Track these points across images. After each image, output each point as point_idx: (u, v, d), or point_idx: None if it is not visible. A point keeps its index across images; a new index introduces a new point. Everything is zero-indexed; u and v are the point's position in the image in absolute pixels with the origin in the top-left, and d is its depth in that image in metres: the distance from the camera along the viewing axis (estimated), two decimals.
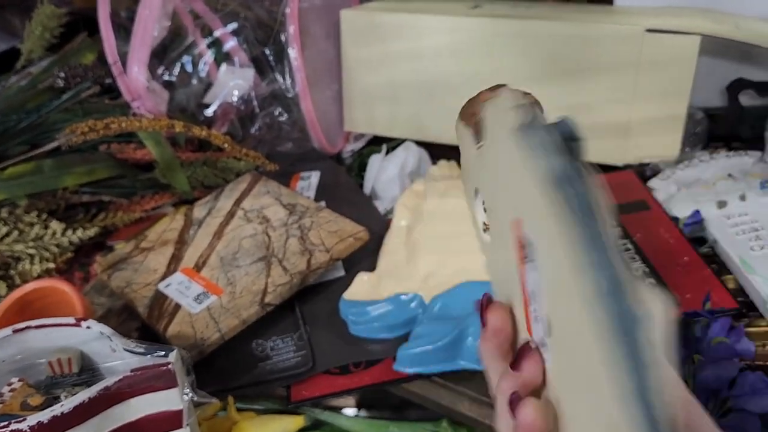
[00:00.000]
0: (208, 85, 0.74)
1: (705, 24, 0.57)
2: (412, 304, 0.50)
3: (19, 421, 0.34)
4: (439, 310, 0.49)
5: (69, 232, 0.58)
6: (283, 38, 0.61)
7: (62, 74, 0.60)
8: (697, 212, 0.52)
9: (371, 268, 0.54)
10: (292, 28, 0.60)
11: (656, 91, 0.58)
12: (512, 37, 0.61)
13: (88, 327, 0.41)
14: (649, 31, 0.56)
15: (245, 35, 0.65)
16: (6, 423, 0.34)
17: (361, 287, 0.52)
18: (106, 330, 0.40)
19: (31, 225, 0.58)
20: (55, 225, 0.58)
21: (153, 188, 0.65)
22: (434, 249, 0.53)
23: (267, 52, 0.63)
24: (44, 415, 0.34)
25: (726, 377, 0.41)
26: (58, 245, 0.58)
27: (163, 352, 0.38)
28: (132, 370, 0.36)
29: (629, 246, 0.51)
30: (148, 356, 0.38)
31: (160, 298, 0.52)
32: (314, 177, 0.68)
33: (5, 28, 0.81)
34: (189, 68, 0.73)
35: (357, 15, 0.66)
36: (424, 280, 0.48)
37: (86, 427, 0.35)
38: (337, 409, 0.46)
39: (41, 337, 0.42)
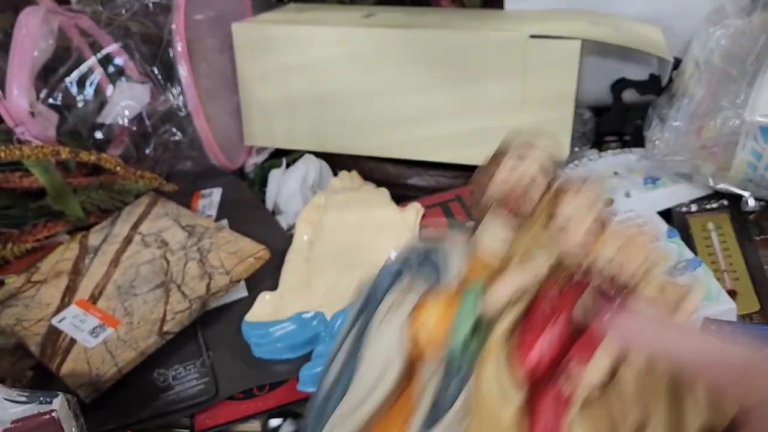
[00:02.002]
0: (101, 104, 0.72)
1: (585, 28, 0.60)
2: (314, 322, 0.50)
3: None
4: (340, 326, 0.49)
5: None
6: (171, 54, 0.60)
7: None
8: None
9: (275, 286, 0.54)
10: (179, 45, 0.58)
11: (543, 95, 0.60)
12: (402, 46, 0.62)
13: None
14: (533, 37, 0.57)
15: (132, 52, 0.63)
16: None
17: (264, 307, 0.51)
18: None
19: None
20: None
21: (46, 216, 0.62)
22: (335, 263, 0.53)
23: (155, 70, 0.61)
24: None
25: None
26: None
27: (48, 399, 0.37)
28: (12, 422, 0.35)
29: None
30: (31, 404, 0.37)
31: (53, 333, 0.50)
32: (216, 194, 0.67)
33: None
34: (79, 88, 0.70)
35: (249, 28, 0.65)
36: (325, 296, 0.49)
37: None
38: None
39: None
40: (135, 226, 0.60)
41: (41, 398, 0.37)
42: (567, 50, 0.57)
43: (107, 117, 0.70)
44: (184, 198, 0.66)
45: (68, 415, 0.37)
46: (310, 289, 0.50)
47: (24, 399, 0.37)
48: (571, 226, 0.31)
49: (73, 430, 0.37)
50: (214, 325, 0.53)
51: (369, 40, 0.62)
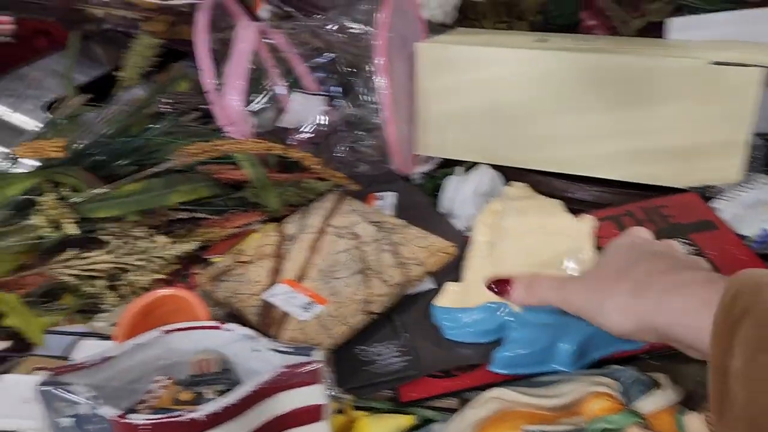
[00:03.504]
0: (280, 110, 0.80)
1: (764, 57, 0.62)
2: (500, 312, 0.54)
3: (194, 411, 0.38)
4: (529, 317, 0.53)
5: (172, 246, 0.62)
6: (368, 69, 0.66)
7: (166, 101, 0.65)
8: (765, 230, 0.57)
9: (454, 280, 0.59)
10: (381, 60, 0.65)
11: (719, 119, 0.62)
12: (578, 69, 0.66)
13: (229, 330, 0.45)
14: (715, 63, 0.61)
15: (331, 67, 0.70)
16: (178, 413, 0.38)
17: (450, 296, 0.56)
18: (250, 332, 0.45)
19: (139, 239, 0.62)
20: (161, 239, 0.62)
21: (242, 206, 0.69)
22: (517, 263, 0.57)
23: (353, 81, 0.68)
24: (218, 405, 0.38)
25: None
26: (163, 258, 0.62)
27: (306, 352, 0.42)
28: (286, 366, 0.41)
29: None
30: (293, 355, 0.42)
31: (268, 307, 0.57)
32: (390, 197, 0.73)
33: (90, 56, 0.87)
34: (264, 95, 0.78)
35: (431, 48, 0.71)
36: None
37: (246, 417, 0.40)
38: (441, 409, 0.51)
39: (186, 339, 0.46)
40: (327, 219, 0.66)
41: (301, 351, 0.42)
42: (748, 77, 0.60)
43: (286, 123, 0.78)
44: (361, 200, 0.72)
45: (323, 366, 0.42)
46: None
47: (288, 350, 0.43)
48: None
49: (327, 380, 0.42)
50: (405, 311, 0.58)
51: (547, 61, 0.67)
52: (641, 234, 0.49)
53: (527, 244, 0.59)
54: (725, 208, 0.61)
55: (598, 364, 0.51)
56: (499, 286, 0.51)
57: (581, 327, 0.49)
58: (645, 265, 0.42)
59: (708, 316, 0.34)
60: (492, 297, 0.55)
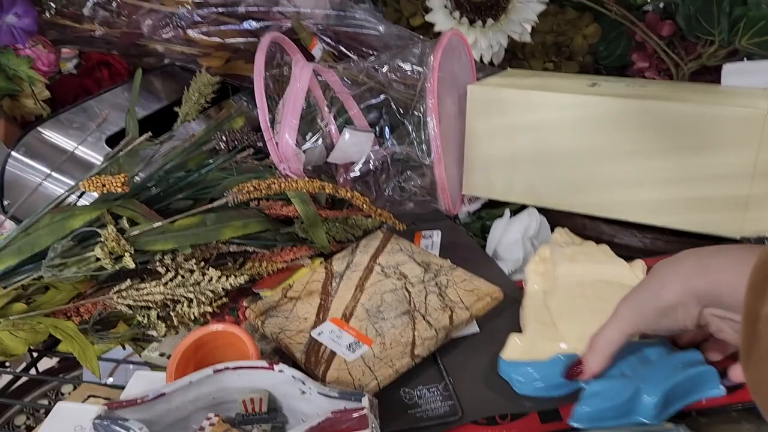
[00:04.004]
0: (331, 146, 0.81)
1: None
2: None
3: None
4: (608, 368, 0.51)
5: (223, 279, 0.64)
6: (420, 109, 0.67)
7: (224, 138, 0.67)
8: None
9: (504, 325, 0.59)
10: (431, 101, 0.66)
11: None
12: (631, 115, 0.66)
13: (280, 371, 0.46)
14: None
15: (385, 107, 0.71)
16: None
17: (516, 349, 0.55)
18: (299, 375, 0.45)
19: (191, 272, 0.64)
20: (212, 272, 0.64)
21: (291, 241, 0.71)
22: (578, 312, 0.57)
23: (404, 120, 0.69)
24: None
25: None
26: (213, 291, 0.64)
27: (355, 397, 0.43)
28: (333, 413, 0.41)
29: None
30: (341, 400, 0.43)
31: (314, 344, 0.58)
32: (436, 236, 0.73)
33: (149, 90, 0.90)
34: (315, 132, 0.80)
35: (483, 90, 0.72)
36: (578, 341, 0.52)
37: None
38: None
39: (235, 379, 0.47)
40: (374, 258, 0.67)
41: (349, 396, 0.43)
42: None
43: (335, 159, 0.79)
44: (407, 237, 0.73)
45: (371, 413, 0.43)
46: (559, 335, 0.54)
47: (335, 395, 0.43)
48: None
49: (374, 426, 0.42)
50: (449, 354, 0.58)
51: (599, 107, 0.67)
52: None
53: (583, 294, 0.59)
54: None
55: (681, 415, 0.50)
56: (572, 372, 0.50)
57: (663, 376, 0.48)
58: (699, 252, 0.45)
59: (744, 272, 0.38)
60: (558, 348, 0.54)
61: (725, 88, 0.74)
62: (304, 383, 0.45)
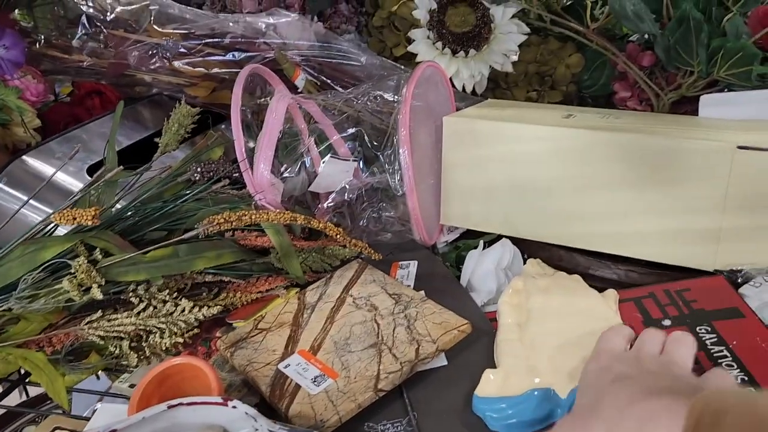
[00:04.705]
0: (313, 174, 0.82)
1: None
2: (547, 399, 0.52)
3: None
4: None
5: (195, 310, 0.64)
6: (394, 140, 0.68)
7: (199, 169, 0.68)
8: None
9: (471, 358, 0.58)
10: (403, 132, 0.66)
11: (747, 202, 0.61)
12: (604, 147, 0.66)
13: (234, 407, 0.46)
14: (740, 147, 0.60)
15: (360, 138, 0.72)
16: None
17: (490, 384, 0.55)
18: (251, 411, 0.45)
19: (164, 302, 0.64)
20: (185, 303, 0.64)
21: (267, 271, 0.71)
22: (552, 345, 0.57)
23: (381, 151, 0.70)
24: None
25: None
26: (185, 321, 0.64)
27: None
28: None
29: (726, 353, 0.53)
30: None
31: (280, 377, 0.58)
32: (412, 266, 0.73)
33: (137, 119, 0.91)
34: (296, 162, 0.81)
35: (458, 122, 0.73)
36: (553, 375, 0.52)
37: None
38: None
39: (190, 414, 0.47)
40: (346, 289, 0.67)
41: None
42: None
43: (318, 186, 0.80)
44: (383, 267, 0.73)
45: None
46: (534, 368, 0.54)
47: (287, 430, 0.43)
48: None
49: None
50: (416, 388, 0.58)
51: (572, 139, 0.67)
52: (612, 345, 0.50)
53: (557, 326, 0.59)
54: (753, 295, 0.59)
55: None
56: None
57: None
58: (610, 399, 0.42)
59: None
60: (533, 383, 0.53)
61: (701, 119, 0.74)
62: (255, 420, 0.45)
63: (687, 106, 0.84)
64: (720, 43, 0.76)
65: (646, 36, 0.87)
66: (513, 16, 0.88)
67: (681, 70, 0.81)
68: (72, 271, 0.59)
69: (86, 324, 0.62)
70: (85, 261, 0.60)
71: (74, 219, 0.58)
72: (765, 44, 0.78)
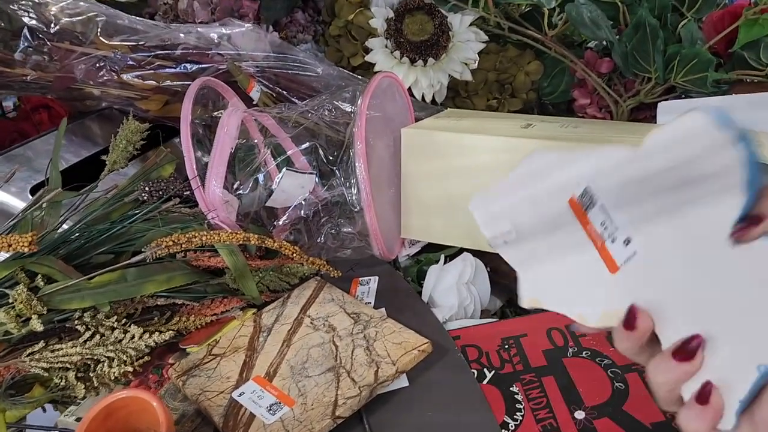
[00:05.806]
0: (270, 190, 0.79)
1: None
2: None
3: None
4: None
5: (146, 336, 0.61)
6: (351, 153, 0.66)
7: (147, 188, 0.65)
8: None
9: (433, 378, 0.57)
10: (359, 146, 0.65)
11: None
12: None
13: None
14: None
15: (315, 152, 0.70)
16: None
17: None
18: None
19: (112, 329, 0.61)
20: (134, 329, 0.61)
21: (222, 293, 0.69)
22: None
23: (338, 165, 0.68)
24: None
25: None
26: (135, 349, 0.61)
27: None
28: None
29: None
30: None
31: (234, 407, 0.55)
32: (373, 282, 0.71)
33: (85, 135, 0.88)
34: (252, 177, 0.78)
35: (415, 133, 0.71)
36: None
37: None
38: None
39: None
40: (304, 309, 0.65)
41: None
42: None
43: (276, 202, 0.77)
44: (344, 284, 0.71)
45: None
46: None
47: None
48: None
49: None
50: (377, 411, 0.56)
51: (529, 150, 0.65)
52: None
53: None
54: None
55: None
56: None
57: None
58: None
59: None
60: None
61: (656, 126, 0.74)
62: None
63: (646, 112, 0.84)
64: (676, 49, 0.75)
65: (604, 43, 0.86)
66: (471, 24, 0.87)
67: (639, 76, 0.81)
68: (10, 301, 0.56)
69: (28, 356, 0.58)
70: (26, 289, 0.57)
71: (9, 246, 0.55)
72: (720, 50, 0.78)
